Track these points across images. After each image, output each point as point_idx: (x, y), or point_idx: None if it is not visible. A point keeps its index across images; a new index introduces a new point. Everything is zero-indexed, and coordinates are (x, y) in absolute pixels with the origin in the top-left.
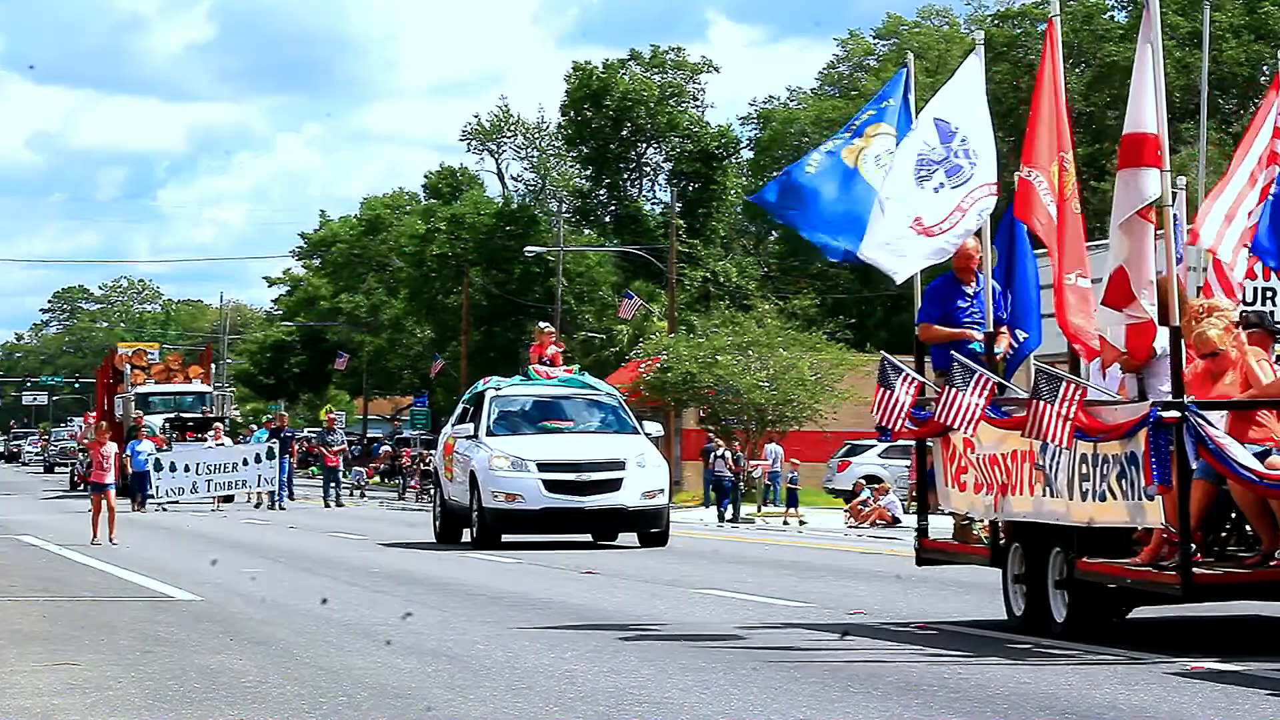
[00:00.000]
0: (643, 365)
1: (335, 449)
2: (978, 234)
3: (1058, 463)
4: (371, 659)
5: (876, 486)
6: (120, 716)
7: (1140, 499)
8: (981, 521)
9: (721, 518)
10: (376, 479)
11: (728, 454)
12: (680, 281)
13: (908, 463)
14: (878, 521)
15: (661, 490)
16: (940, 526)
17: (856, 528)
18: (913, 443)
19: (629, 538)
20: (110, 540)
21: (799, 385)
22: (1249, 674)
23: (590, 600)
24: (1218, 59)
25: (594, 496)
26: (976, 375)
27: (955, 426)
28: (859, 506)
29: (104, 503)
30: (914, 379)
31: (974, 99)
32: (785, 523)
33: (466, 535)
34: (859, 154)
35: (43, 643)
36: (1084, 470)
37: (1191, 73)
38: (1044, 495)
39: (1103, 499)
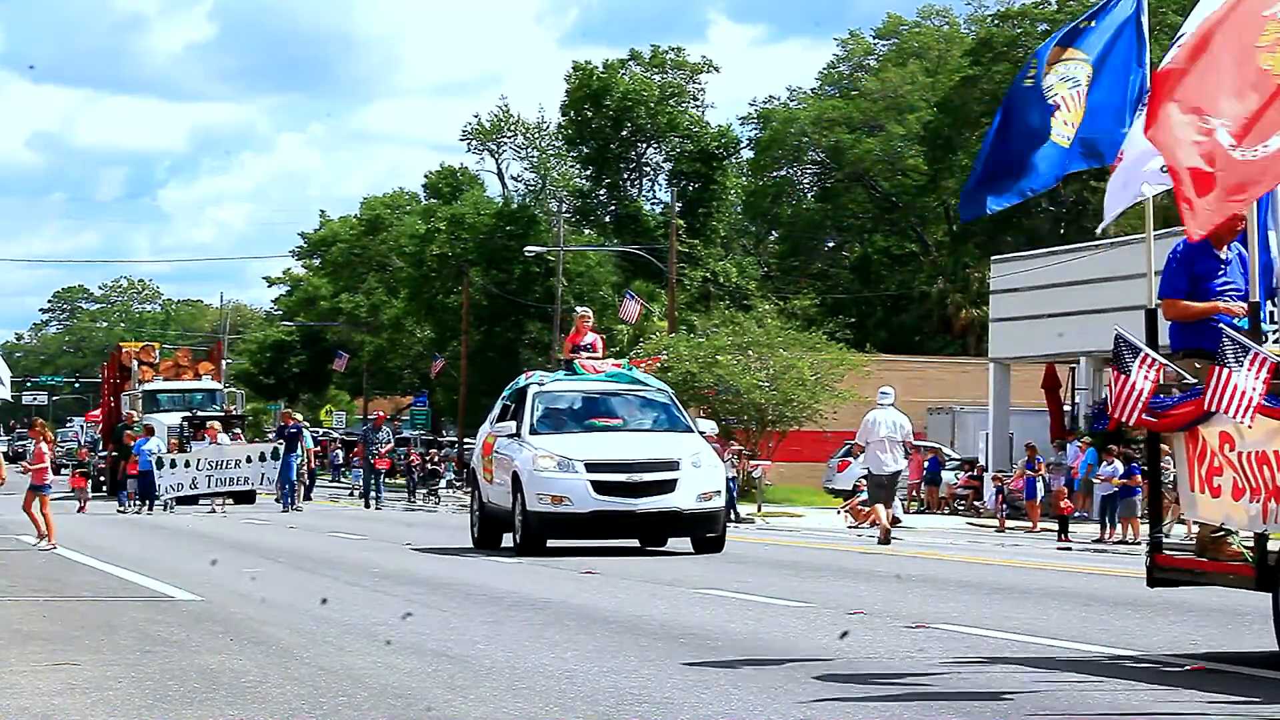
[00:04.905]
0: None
1: (383, 449)
2: None
3: None
4: (371, 659)
5: None
6: (120, 716)
7: None
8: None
9: None
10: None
11: None
12: (680, 281)
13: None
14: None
15: (718, 492)
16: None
17: (856, 527)
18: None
19: (679, 543)
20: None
21: (799, 385)
22: (1249, 674)
23: (590, 600)
24: None
25: (646, 499)
26: (1253, 354)
27: (1232, 414)
28: (859, 506)
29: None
30: (1156, 361)
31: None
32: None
33: (507, 540)
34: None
35: (43, 643)
36: None
37: None
38: None
39: None
